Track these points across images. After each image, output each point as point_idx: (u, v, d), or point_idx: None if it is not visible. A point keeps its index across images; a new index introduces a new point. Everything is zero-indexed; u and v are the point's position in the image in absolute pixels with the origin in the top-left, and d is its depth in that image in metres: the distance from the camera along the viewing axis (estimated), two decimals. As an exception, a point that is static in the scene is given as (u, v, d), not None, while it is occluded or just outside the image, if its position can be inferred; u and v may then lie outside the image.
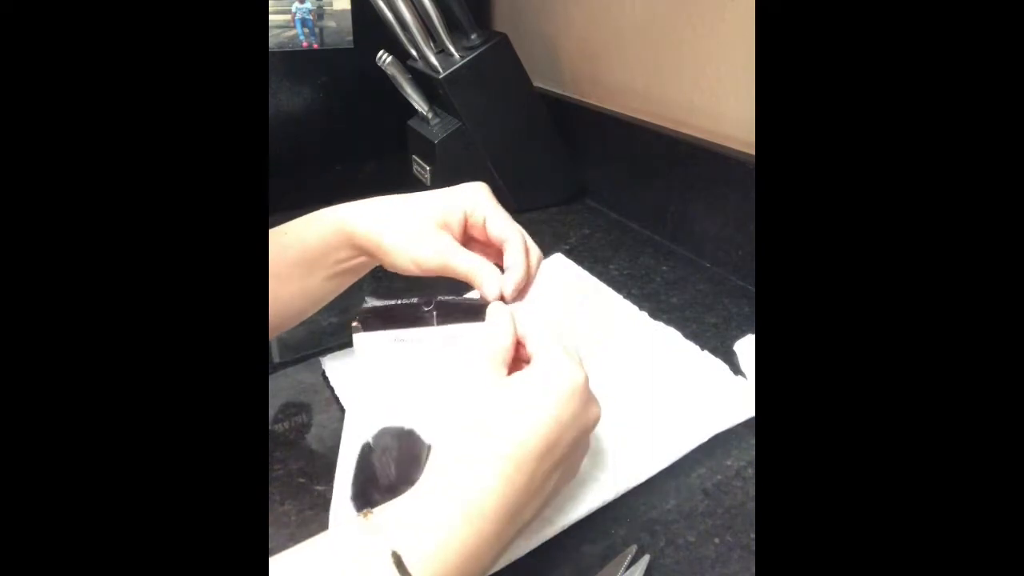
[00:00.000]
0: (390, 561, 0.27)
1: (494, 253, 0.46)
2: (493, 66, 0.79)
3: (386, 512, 0.31)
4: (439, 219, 0.44)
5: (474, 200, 0.45)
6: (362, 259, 0.47)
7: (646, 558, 0.38)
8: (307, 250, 0.46)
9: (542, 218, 0.85)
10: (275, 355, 0.59)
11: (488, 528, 0.31)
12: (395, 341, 0.42)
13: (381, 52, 0.78)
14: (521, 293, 0.44)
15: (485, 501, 0.31)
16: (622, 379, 0.53)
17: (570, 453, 0.36)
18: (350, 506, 0.38)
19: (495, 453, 0.32)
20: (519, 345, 0.38)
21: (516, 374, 0.36)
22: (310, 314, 0.51)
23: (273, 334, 0.52)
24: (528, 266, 0.44)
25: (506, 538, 0.33)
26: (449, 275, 0.43)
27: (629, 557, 0.38)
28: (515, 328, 0.38)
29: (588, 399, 0.36)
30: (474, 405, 0.35)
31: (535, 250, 0.45)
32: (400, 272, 0.45)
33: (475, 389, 0.36)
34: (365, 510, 0.31)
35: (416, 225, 0.44)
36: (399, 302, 0.42)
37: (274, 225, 0.47)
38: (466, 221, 0.45)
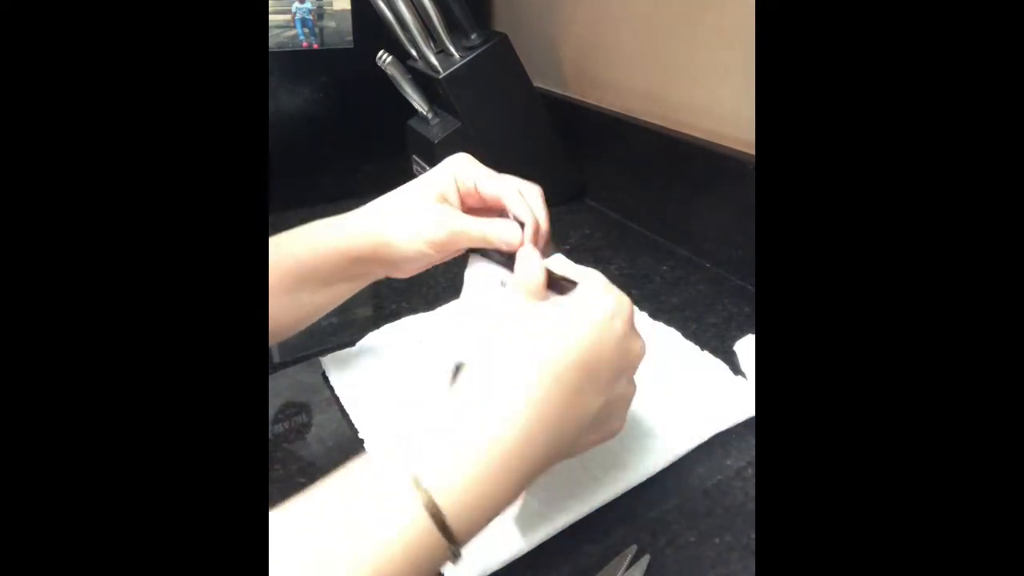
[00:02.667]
0: (410, 484, 0.27)
1: (496, 215, 0.45)
2: (493, 66, 0.79)
3: (410, 437, 0.30)
4: (434, 195, 0.43)
5: (459, 168, 0.45)
6: (362, 271, 0.46)
7: (646, 558, 0.38)
8: (300, 265, 0.45)
9: (542, 218, 0.85)
10: (275, 355, 0.59)
11: (512, 453, 0.30)
12: (501, 284, 0.42)
13: (381, 52, 0.78)
14: (541, 238, 0.43)
15: (509, 426, 0.30)
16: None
17: (611, 386, 0.33)
18: None
19: (523, 375, 0.31)
20: (562, 284, 0.37)
21: (553, 298, 0.35)
22: (302, 328, 0.49)
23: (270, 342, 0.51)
24: (531, 211, 0.43)
25: (534, 468, 0.31)
26: (463, 244, 0.43)
27: (629, 557, 0.38)
28: (544, 266, 0.37)
29: (631, 329, 0.34)
30: (505, 326, 0.33)
31: (533, 190, 0.45)
32: (413, 264, 0.44)
33: (508, 314, 0.34)
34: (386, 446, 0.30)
35: (413, 207, 0.43)
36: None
37: (273, 225, 0.46)
38: (459, 191, 0.44)
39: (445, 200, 0.43)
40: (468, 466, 0.29)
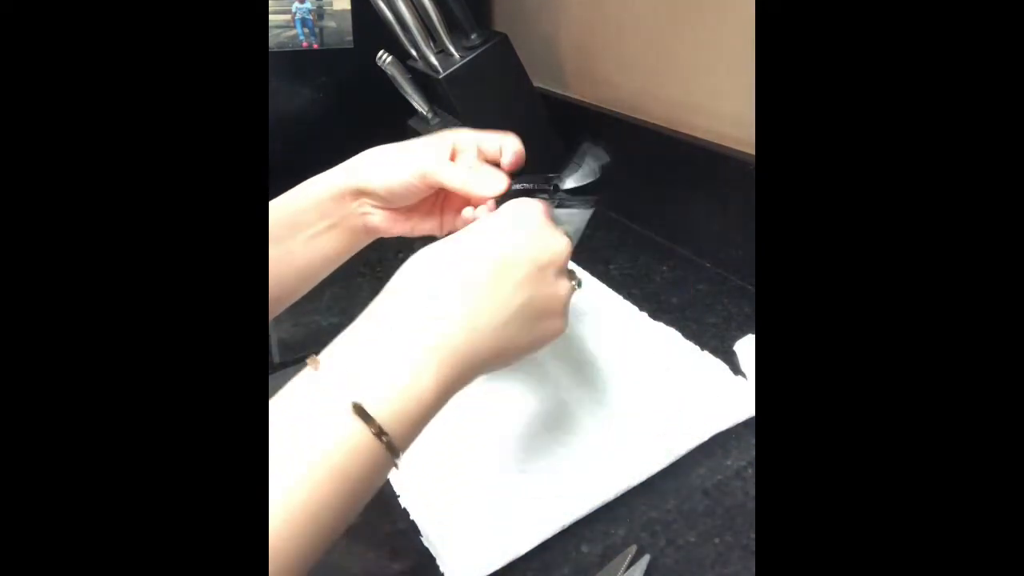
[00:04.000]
0: (351, 412, 0.28)
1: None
2: (493, 66, 0.79)
3: (341, 356, 0.31)
4: (420, 143, 0.46)
5: (461, 134, 0.47)
6: (346, 213, 0.47)
7: (646, 558, 0.38)
8: (285, 209, 0.46)
9: (542, 218, 0.85)
10: (275, 355, 0.59)
11: (448, 361, 0.31)
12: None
13: (381, 52, 0.78)
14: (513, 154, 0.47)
15: (440, 331, 0.31)
16: (622, 379, 0.53)
17: (533, 281, 0.35)
18: None
19: (447, 279, 0.33)
20: None
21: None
22: (302, 292, 0.49)
23: (285, 305, 0.51)
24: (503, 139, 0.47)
25: (467, 365, 0.32)
26: (438, 184, 0.44)
27: (629, 557, 0.38)
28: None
29: (544, 224, 0.37)
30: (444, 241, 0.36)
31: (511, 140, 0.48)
32: (391, 201, 0.46)
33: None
34: (310, 357, 0.31)
35: (396, 150, 0.46)
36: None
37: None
38: (453, 152, 0.46)
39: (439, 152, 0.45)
40: (404, 380, 0.30)
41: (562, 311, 0.37)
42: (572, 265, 0.40)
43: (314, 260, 0.48)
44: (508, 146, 0.48)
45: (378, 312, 0.33)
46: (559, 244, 0.36)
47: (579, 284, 0.39)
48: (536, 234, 0.36)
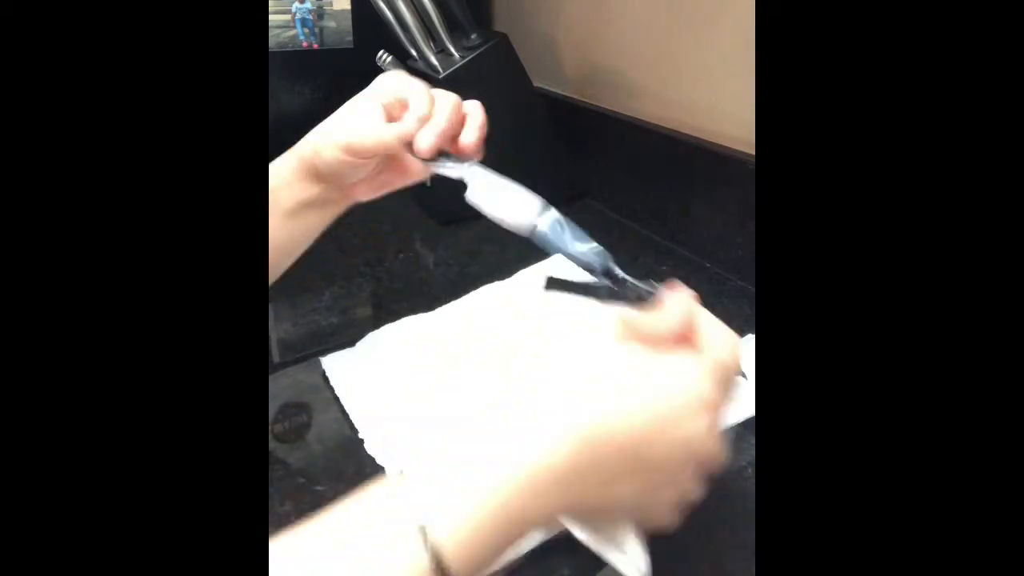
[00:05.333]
0: (419, 536, 0.26)
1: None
2: (493, 66, 0.79)
3: (422, 477, 0.28)
4: (360, 106, 0.45)
5: (387, 81, 0.45)
6: (311, 189, 0.46)
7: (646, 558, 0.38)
8: (272, 192, 0.45)
9: (542, 218, 0.85)
10: (275, 355, 0.59)
11: (522, 515, 0.28)
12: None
13: (381, 52, 0.78)
14: (448, 138, 0.44)
15: (521, 488, 0.27)
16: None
17: (662, 476, 0.29)
18: None
19: (554, 431, 0.28)
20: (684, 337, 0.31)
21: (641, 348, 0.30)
22: (283, 266, 0.49)
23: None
24: (432, 103, 0.43)
25: (542, 524, 0.30)
26: (379, 148, 0.43)
27: (629, 557, 0.38)
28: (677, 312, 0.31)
29: (713, 425, 0.29)
30: (567, 363, 0.30)
31: (446, 96, 0.44)
32: (343, 174, 0.45)
33: (580, 349, 0.31)
34: (401, 470, 0.29)
35: (337, 119, 0.45)
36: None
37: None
38: (393, 101, 0.44)
39: (371, 111, 0.44)
40: (475, 522, 0.27)
41: (674, 510, 0.31)
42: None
43: (295, 235, 0.47)
44: (472, 121, 0.44)
45: (470, 453, 0.29)
46: (716, 452, 0.30)
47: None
48: (697, 436, 0.29)
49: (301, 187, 0.45)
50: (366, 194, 0.48)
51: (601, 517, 0.31)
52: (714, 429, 0.29)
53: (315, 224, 0.48)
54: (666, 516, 0.31)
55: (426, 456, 0.29)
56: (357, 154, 0.43)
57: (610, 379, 0.29)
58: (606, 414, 0.28)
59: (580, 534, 0.34)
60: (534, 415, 0.29)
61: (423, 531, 0.27)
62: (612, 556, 0.34)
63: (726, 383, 0.30)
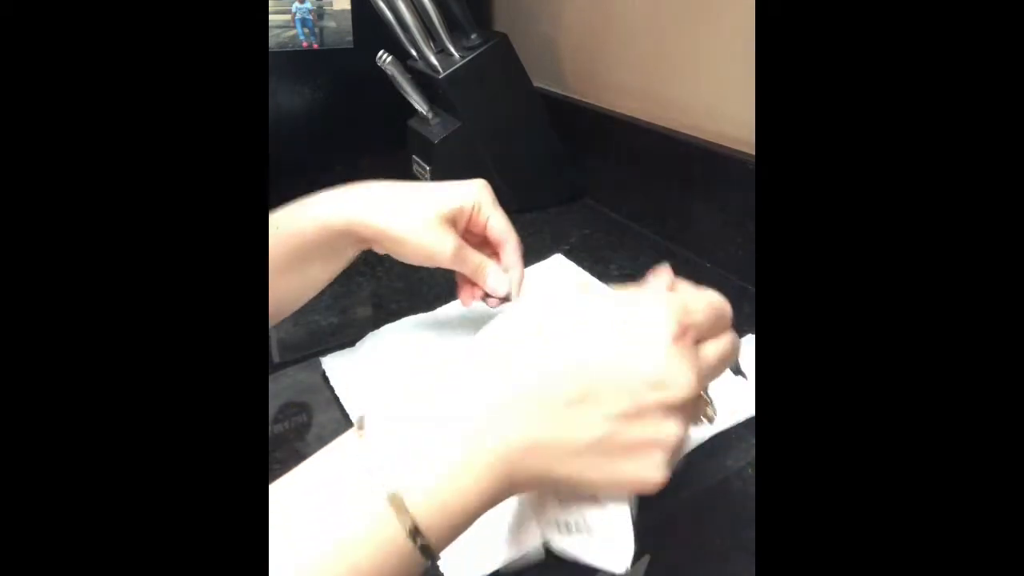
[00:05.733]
0: (390, 505, 0.26)
1: (488, 251, 0.48)
2: (493, 66, 0.79)
3: (389, 435, 0.28)
4: (446, 214, 0.45)
5: (478, 198, 0.47)
6: (363, 248, 0.47)
7: (646, 558, 0.38)
8: (305, 243, 0.45)
9: (542, 218, 0.85)
10: (275, 355, 0.59)
11: (502, 473, 0.27)
12: None
13: (381, 52, 0.78)
14: (519, 290, 0.47)
15: (500, 443, 0.27)
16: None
17: (625, 415, 0.28)
18: None
19: (524, 383, 0.28)
20: None
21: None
22: (304, 303, 0.51)
23: (272, 323, 0.52)
24: (522, 266, 0.47)
25: (522, 487, 0.29)
26: (456, 268, 0.45)
27: (629, 557, 0.38)
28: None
29: (669, 353, 0.28)
30: (519, 313, 0.30)
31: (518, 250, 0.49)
32: (406, 261, 0.46)
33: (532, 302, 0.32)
34: (359, 420, 0.28)
35: (424, 219, 0.45)
36: None
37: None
38: (469, 218, 0.47)
39: (452, 223, 0.46)
40: (444, 481, 0.27)
41: (659, 461, 0.29)
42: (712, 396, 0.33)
43: (307, 285, 0.49)
44: (513, 276, 0.48)
45: (442, 395, 0.29)
46: (681, 381, 0.28)
47: (710, 420, 0.32)
48: (655, 362, 0.28)
49: (330, 246, 0.46)
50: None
51: (586, 472, 0.29)
52: (679, 362, 0.28)
53: (330, 273, 0.49)
54: (656, 466, 0.29)
55: (392, 415, 0.29)
56: (435, 265, 0.45)
57: (569, 320, 0.30)
58: (564, 351, 0.28)
59: (562, 540, 0.34)
60: (496, 364, 0.29)
61: (395, 499, 0.26)
62: (595, 547, 0.34)
63: (690, 322, 0.29)
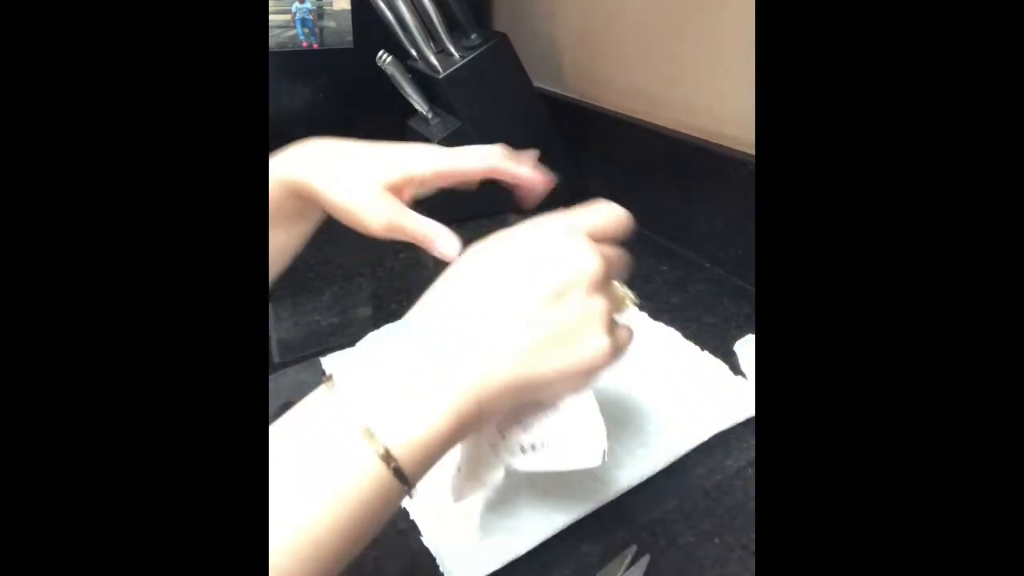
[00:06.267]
0: (360, 436, 0.27)
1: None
2: (493, 66, 0.79)
3: (355, 377, 0.29)
4: (389, 182, 0.43)
5: (420, 159, 0.44)
6: (303, 209, 0.45)
7: (646, 558, 0.38)
8: None
9: (542, 218, 0.85)
10: (275, 355, 0.59)
11: (463, 392, 0.30)
12: None
13: (381, 52, 0.78)
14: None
15: (452, 362, 0.30)
16: (622, 379, 0.53)
17: (549, 303, 0.32)
18: None
19: (461, 305, 0.32)
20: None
21: None
22: (280, 272, 0.49)
23: None
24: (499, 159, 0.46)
25: (490, 403, 0.31)
26: (399, 238, 0.43)
27: (629, 557, 0.38)
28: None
29: (567, 244, 0.33)
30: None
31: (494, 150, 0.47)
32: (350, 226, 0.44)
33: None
34: (326, 375, 0.30)
35: (360, 185, 0.43)
36: None
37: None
38: (422, 184, 0.45)
39: (397, 191, 0.43)
40: (417, 407, 0.29)
41: (598, 331, 0.33)
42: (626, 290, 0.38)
43: (276, 252, 0.47)
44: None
45: (396, 334, 0.31)
46: (586, 261, 0.33)
47: (634, 301, 0.36)
48: (558, 252, 0.33)
49: (286, 203, 0.44)
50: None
51: (537, 359, 0.32)
52: (575, 243, 0.33)
53: (294, 241, 0.47)
54: (595, 335, 0.33)
55: (359, 360, 0.30)
56: (376, 235, 0.42)
57: (494, 248, 0.34)
58: (487, 273, 0.33)
59: (528, 461, 0.36)
60: (437, 304, 0.32)
61: (369, 432, 0.27)
62: (565, 451, 0.36)
63: (580, 225, 0.34)
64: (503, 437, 0.36)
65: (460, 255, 0.37)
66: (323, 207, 0.43)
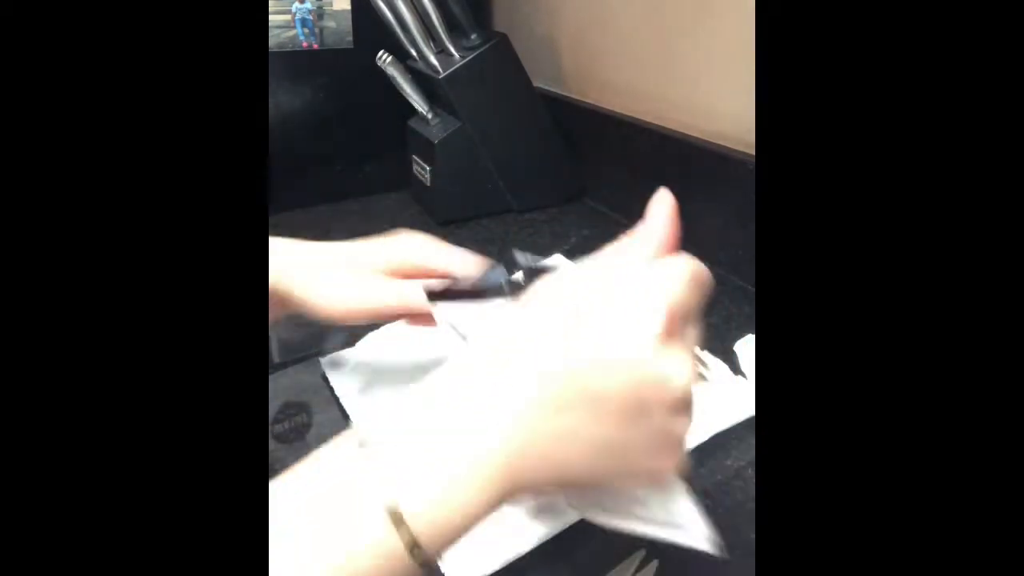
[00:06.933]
0: (388, 517, 0.26)
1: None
2: (493, 66, 0.79)
3: (386, 447, 0.27)
4: (383, 269, 0.40)
5: (407, 245, 0.41)
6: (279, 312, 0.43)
7: (654, 563, 0.38)
8: None
9: (542, 218, 0.85)
10: (275, 355, 0.58)
11: (494, 480, 0.27)
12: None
13: (381, 52, 0.78)
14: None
15: (490, 451, 0.27)
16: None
17: (634, 419, 0.27)
18: None
19: (513, 386, 0.27)
20: None
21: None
22: None
23: None
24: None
25: (516, 491, 0.28)
26: (384, 317, 0.39)
27: (637, 561, 0.38)
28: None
29: (658, 348, 0.27)
30: (515, 318, 0.29)
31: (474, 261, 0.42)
32: (323, 319, 0.41)
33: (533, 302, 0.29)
34: (360, 434, 0.28)
35: (339, 278, 0.40)
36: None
37: (274, 225, 0.46)
38: (407, 275, 0.41)
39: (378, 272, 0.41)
40: (445, 492, 0.27)
41: (673, 451, 0.29)
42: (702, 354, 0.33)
43: None
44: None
45: (439, 406, 0.28)
46: (680, 377, 0.27)
47: (706, 378, 0.32)
48: (648, 358, 0.27)
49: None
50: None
51: (593, 480, 0.29)
52: (672, 357, 0.28)
53: None
54: (669, 456, 0.29)
55: (389, 425, 0.28)
56: (354, 319, 0.40)
57: (556, 328, 0.28)
58: (553, 360, 0.27)
59: (640, 524, 0.32)
60: (492, 371, 0.28)
61: (392, 510, 0.26)
62: (673, 534, 0.33)
63: (676, 310, 0.29)
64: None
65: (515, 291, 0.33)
66: (305, 302, 0.41)
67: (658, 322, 0.27)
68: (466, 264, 0.39)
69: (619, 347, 0.27)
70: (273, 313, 0.42)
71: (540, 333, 0.29)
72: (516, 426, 0.27)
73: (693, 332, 0.30)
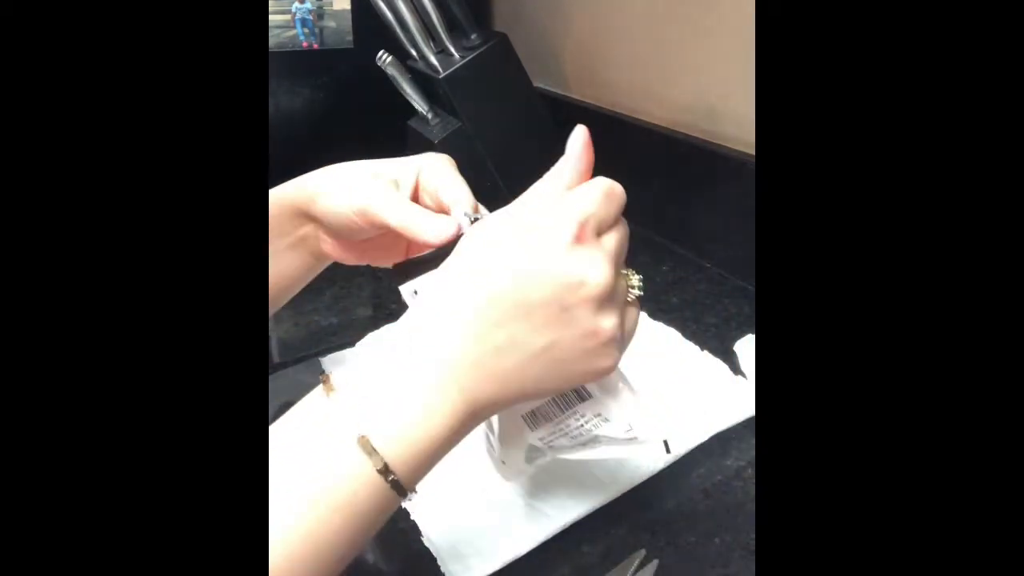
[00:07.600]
0: (357, 447, 0.27)
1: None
2: (493, 66, 0.79)
3: (354, 384, 0.29)
4: (384, 174, 0.41)
5: (430, 165, 0.42)
6: (300, 231, 0.44)
7: (654, 563, 0.38)
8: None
9: (542, 218, 0.85)
10: (275, 355, 0.59)
11: (459, 401, 0.29)
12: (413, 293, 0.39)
13: (381, 52, 0.78)
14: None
15: (450, 374, 0.29)
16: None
17: (554, 322, 0.29)
18: None
19: (458, 314, 0.29)
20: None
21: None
22: (284, 298, 0.47)
23: None
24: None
25: (486, 412, 0.31)
26: (385, 223, 0.39)
27: (637, 561, 0.38)
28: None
29: (571, 249, 0.29)
30: (462, 251, 0.32)
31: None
32: (342, 230, 0.41)
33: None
34: (323, 375, 0.30)
35: (357, 176, 0.41)
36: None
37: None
38: (417, 185, 0.41)
39: (395, 185, 0.41)
40: (410, 418, 0.28)
41: (607, 350, 0.30)
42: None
43: (276, 280, 0.45)
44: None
45: (395, 341, 0.30)
46: (596, 275, 0.29)
47: (640, 290, 0.33)
48: (562, 262, 0.29)
49: (289, 225, 0.43)
50: (345, 258, 0.45)
51: (540, 389, 0.32)
52: (586, 256, 0.29)
53: (297, 269, 0.46)
54: (607, 355, 0.31)
55: (353, 370, 0.30)
56: (372, 220, 0.39)
57: (480, 257, 0.31)
58: (480, 285, 0.30)
59: (603, 447, 0.35)
60: (433, 309, 0.30)
61: (363, 441, 0.27)
62: (634, 450, 0.35)
63: (585, 219, 0.30)
64: (534, 431, 0.36)
65: (457, 235, 0.35)
66: (319, 202, 0.42)
67: (568, 231, 0.29)
68: (446, 229, 0.38)
69: (533, 258, 0.29)
70: (293, 224, 0.43)
71: (468, 267, 0.31)
72: (462, 350, 0.29)
73: (614, 241, 0.32)
